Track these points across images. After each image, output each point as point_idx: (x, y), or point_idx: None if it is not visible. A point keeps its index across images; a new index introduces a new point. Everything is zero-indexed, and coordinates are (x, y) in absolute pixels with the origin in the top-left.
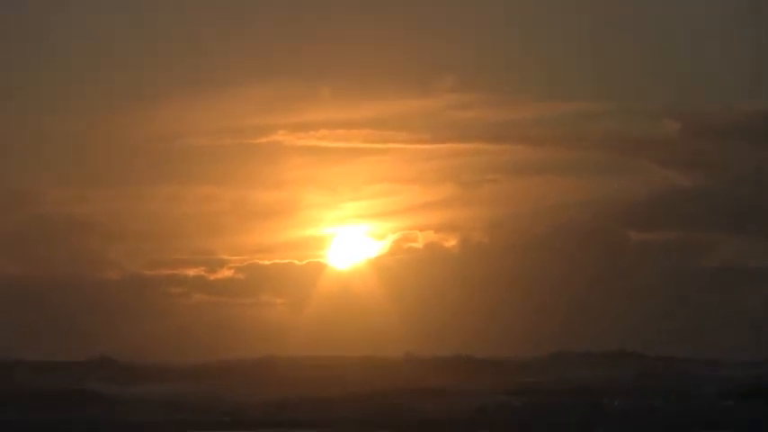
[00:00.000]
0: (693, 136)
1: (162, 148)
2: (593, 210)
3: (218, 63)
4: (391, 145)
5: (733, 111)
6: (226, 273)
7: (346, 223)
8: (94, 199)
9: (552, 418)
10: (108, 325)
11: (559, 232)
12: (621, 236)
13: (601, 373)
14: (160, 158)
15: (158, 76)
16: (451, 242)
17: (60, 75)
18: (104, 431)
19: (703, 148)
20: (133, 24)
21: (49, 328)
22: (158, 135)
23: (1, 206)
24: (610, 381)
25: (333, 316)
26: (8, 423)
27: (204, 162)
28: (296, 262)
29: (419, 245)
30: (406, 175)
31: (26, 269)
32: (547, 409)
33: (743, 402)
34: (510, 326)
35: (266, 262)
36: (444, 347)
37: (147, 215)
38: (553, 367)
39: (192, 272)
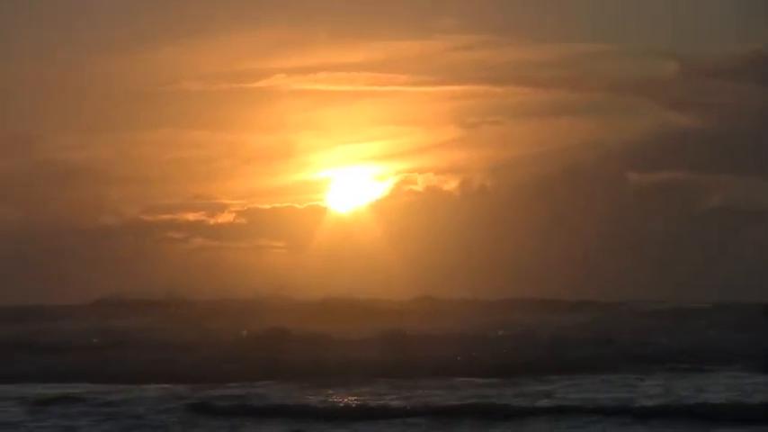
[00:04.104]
0: (695, 77)
1: (158, 92)
2: (596, 152)
3: (213, 7)
4: (392, 87)
5: (733, 52)
6: (226, 217)
7: (346, 166)
8: (92, 144)
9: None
10: (110, 270)
11: (562, 174)
12: (626, 177)
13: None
14: (156, 103)
15: (154, 21)
16: (452, 184)
17: (54, 20)
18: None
19: (705, 89)
20: None
21: (50, 273)
22: (154, 79)
23: (0, 151)
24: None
25: (333, 259)
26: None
27: (200, 106)
28: (296, 206)
29: (419, 187)
30: (407, 118)
31: (26, 215)
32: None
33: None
34: (507, 270)
35: (266, 206)
36: (443, 290)
37: (144, 160)
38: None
39: (191, 216)
